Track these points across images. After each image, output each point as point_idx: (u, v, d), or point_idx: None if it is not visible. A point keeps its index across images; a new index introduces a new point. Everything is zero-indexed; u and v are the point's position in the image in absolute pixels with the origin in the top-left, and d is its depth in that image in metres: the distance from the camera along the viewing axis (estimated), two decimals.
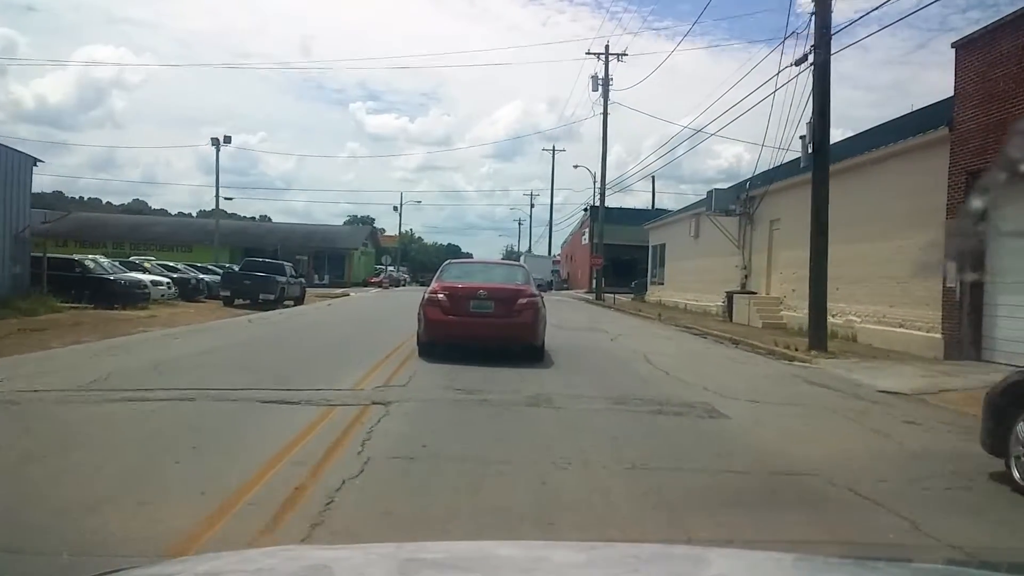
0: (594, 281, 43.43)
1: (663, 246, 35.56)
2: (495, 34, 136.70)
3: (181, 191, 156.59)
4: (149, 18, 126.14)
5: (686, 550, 2.51)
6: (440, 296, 11.36)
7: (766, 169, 22.71)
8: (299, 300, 28.45)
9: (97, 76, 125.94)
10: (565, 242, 77.59)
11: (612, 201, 55.25)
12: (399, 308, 25.22)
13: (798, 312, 20.09)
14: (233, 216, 79.33)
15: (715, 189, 24.43)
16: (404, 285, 67.88)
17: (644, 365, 11.14)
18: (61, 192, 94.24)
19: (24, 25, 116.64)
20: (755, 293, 22.72)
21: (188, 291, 25.75)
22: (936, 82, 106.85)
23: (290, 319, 18.83)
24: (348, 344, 13.03)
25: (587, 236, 59.17)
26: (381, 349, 11.77)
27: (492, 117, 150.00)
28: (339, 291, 42.94)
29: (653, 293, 36.72)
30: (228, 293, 25.26)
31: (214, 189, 45.00)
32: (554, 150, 70.65)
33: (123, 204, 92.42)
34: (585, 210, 52.46)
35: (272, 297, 24.97)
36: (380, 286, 56.70)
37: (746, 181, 26.51)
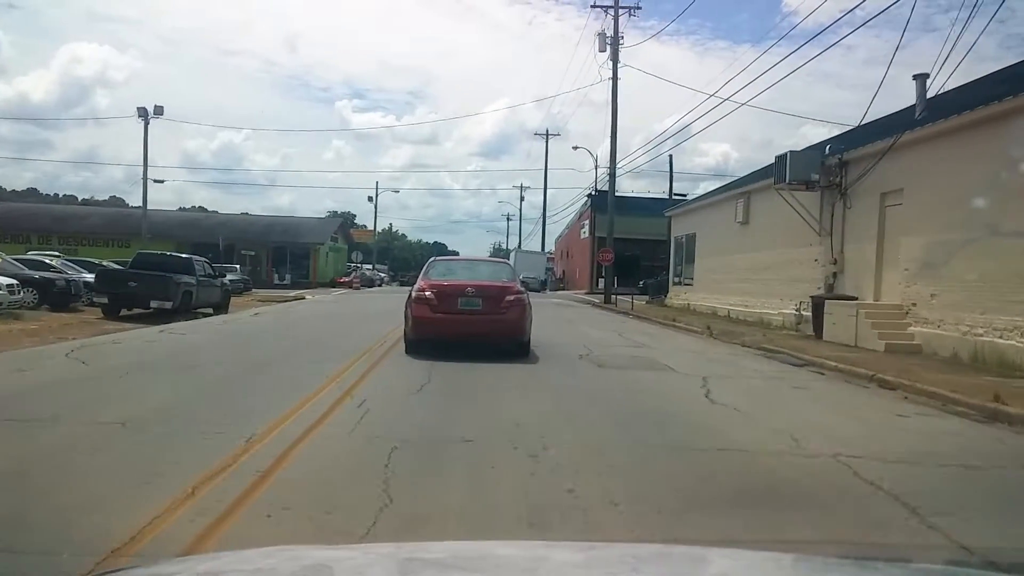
0: (601, 280, 36.42)
1: (691, 237, 28.56)
2: (481, 32, 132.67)
3: (163, 188, 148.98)
4: (133, 15, 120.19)
5: (686, 550, 2.28)
6: (427, 294, 11.23)
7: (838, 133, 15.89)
8: (220, 307, 21.23)
9: (81, 74, 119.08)
10: (560, 237, 70.53)
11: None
12: (351, 321, 18.03)
13: (943, 329, 13.13)
14: (213, 214, 71.87)
15: (790, 152, 17.41)
16: (380, 285, 60.53)
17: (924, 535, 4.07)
18: (35, 189, 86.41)
19: (4, 23, 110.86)
20: (854, 298, 15.75)
21: (53, 296, 18.45)
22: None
23: (152, 346, 11.68)
24: (144, 431, 5.72)
25: (587, 228, 52.15)
26: (200, 461, 4.63)
27: (479, 116, 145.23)
28: (293, 293, 35.68)
29: (677, 295, 29.72)
30: (105, 299, 18.00)
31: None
32: (548, 134, 63.71)
33: (99, 201, 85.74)
34: (590, 195, 45.28)
35: (169, 305, 17.75)
36: (350, 287, 49.43)
37: (825, 144, 19.55)
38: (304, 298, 32.95)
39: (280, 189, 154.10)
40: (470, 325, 11.09)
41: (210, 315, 20.04)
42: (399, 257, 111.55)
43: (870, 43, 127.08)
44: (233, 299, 29.10)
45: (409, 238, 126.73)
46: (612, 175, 32.66)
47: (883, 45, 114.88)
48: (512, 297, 11.36)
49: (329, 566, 1.59)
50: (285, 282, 48.89)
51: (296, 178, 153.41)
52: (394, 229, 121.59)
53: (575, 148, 50.17)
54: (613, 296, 32.94)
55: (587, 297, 41.10)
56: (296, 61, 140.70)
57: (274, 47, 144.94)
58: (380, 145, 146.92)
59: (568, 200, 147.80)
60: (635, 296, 32.66)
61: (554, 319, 21.05)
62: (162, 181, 41.46)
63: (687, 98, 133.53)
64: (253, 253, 40.45)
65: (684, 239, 29.60)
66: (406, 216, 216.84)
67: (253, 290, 34.98)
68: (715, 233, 25.43)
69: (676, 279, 30.83)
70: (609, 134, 32.60)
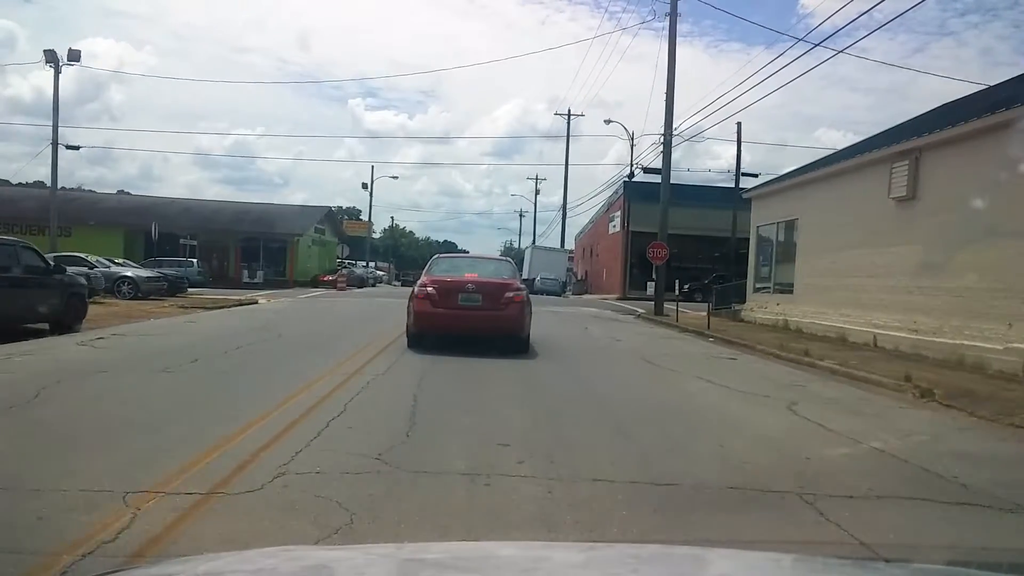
0: (649, 284, 28.01)
1: (788, 226, 20.13)
2: (493, 32, 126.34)
3: (175, 184, 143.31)
4: (145, 11, 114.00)
5: (686, 550, 2.28)
6: (429, 289, 11.34)
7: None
8: (62, 323, 12.92)
9: (96, 71, 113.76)
10: (581, 233, 62.09)
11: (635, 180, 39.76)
12: (231, 370, 8.68)
13: None
14: (175, 200, 64.10)
15: None
16: (374, 285, 52.20)
17: None
18: (43, 183, 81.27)
19: (21, 17, 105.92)
20: None
21: None
22: (935, 86, 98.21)
23: None
24: None
25: (618, 221, 43.71)
26: None
27: (491, 115, 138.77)
28: (248, 295, 27.32)
29: (763, 307, 21.27)
30: None
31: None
32: (569, 114, 55.34)
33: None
34: (630, 174, 36.67)
35: None
36: (334, 286, 41.16)
37: None
38: (255, 302, 24.73)
39: (291, 186, 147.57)
40: (470, 320, 11.19)
41: (44, 335, 11.91)
42: (405, 255, 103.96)
43: (884, 46, 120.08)
44: (153, 303, 21.07)
45: (417, 235, 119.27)
46: (667, 142, 24.18)
47: (898, 47, 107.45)
48: (511, 294, 11.46)
49: (329, 566, 1.58)
50: (256, 280, 40.70)
51: (311, 177, 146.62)
52: (402, 227, 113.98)
53: (607, 122, 42.99)
54: (665, 304, 24.57)
55: (623, 304, 32.68)
56: (308, 59, 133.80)
57: (286, 45, 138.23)
58: (392, 143, 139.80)
59: (583, 196, 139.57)
60: (681, 303, 24.45)
61: (614, 352, 12.82)
62: (77, 148, 33.27)
63: (714, 86, 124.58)
64: (195, 242, 32.28)
65: (776, 229, 21.13)
66: (417, 216, 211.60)
67: (189, 290, 26.75)
68: (839, 217, 16.96)
69: (759, 284, 22.34)
70: (664, 96, 24.22)
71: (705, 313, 25.36)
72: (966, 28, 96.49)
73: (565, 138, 55.57)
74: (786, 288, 19.97)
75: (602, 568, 1.63)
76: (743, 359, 12.37)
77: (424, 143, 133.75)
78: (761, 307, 21.38)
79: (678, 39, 23.71)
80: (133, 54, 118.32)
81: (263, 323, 15.21)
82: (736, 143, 30.68)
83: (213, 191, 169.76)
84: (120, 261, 24.62)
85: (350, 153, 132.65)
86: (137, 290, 21.74)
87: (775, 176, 22.62)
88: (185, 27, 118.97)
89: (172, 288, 24.53)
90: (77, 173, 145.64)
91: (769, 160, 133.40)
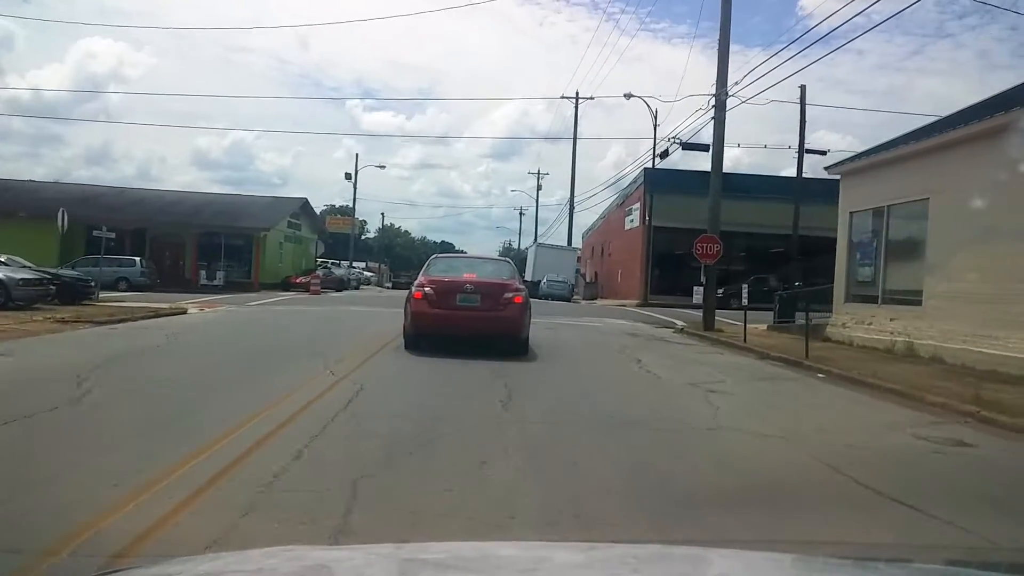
0: (697, 290, 22.17)
1: (908, 210, 14.35)
2: (491, 32, 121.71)
3: (171, 183, 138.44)
4: (143, 10, 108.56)
5: (686, 550, 2.19)
6: (427, 289, 11.21)
7: None
8: None
9: (93, 70, 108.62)
10: (589, 230, 56.21)
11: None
12: None
13: None
14: (126, 189, 58.17)
15: None
16: (357, 288, 46.39)
17: None
18: (33, 181, 76.85)
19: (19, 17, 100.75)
20: None
21: None
22: (932, 88, 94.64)
23: None
24: None
25: (636, 216, 37.89)
26: None
27: (489, 117, 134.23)
28: (181, 302, 21.37)
29: (865, 323, 15.44)
30: None
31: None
32: (578, 96, 49.62)
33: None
34: (663, 153, 30.74)
35: None
36: (307, 290, 35.32)
37: None
38: (184, 311, 18.96)
39: (289, 185, 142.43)
40: (468, 321, 11.00)
41: None
42: (401, 256, 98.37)
43: (880, 48, 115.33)
44: (27, 315, 14.96)
45: (413, 236, 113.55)
46: (721, 105, 18.35)
47: (896, 49, 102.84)
48: (510, 294, 11.29)
49: (329, 566, 1.56)
50: (216, 282, 34.87)
51: (312, 179, 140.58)
52: (397, 226, 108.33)
53: (628, 96, 36.65)
54: (710, 318, 18.79)
55: (650, 313, 26.79)
56: (307, 59, 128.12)
57: (285, 45, 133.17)
58: (391, 144, 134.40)
59: (585, 193, 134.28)
60: (715, 310, 18.59)
61: (729, 434, 6.65)
62: None
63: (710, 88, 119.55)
64: (113, 235, 26.41)
65: (883, 215, 15.28)
66: (414, 215, 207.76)
67: (97, 296, 20.82)
68: (1016, 194, 11.18)
69: (857, 291, 16.41)
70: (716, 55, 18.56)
71: (765, 327, 19.67)
72: (964, 30, 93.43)
73: (570, 131, 49.93)
74: (907, 298, 14.15)
75: (602, 568, 1.61)
76: (967, 439, 6.43)
77: (423, 144, 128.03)
78: (860, 323, 15.55)
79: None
80: (132, 54, 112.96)
81: (106, 358, 9.31)
82: (800, 110, 24.75)
83: (213, 191, 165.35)
84: (3, 259, 18.78)
85: (348, 153, 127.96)
86: (7, 297, 15.94)
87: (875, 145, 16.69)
88: (184, 28, 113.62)
89: (72, 293, 18.72)
90: (74, 172, 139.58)
91: (770, 163, 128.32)
